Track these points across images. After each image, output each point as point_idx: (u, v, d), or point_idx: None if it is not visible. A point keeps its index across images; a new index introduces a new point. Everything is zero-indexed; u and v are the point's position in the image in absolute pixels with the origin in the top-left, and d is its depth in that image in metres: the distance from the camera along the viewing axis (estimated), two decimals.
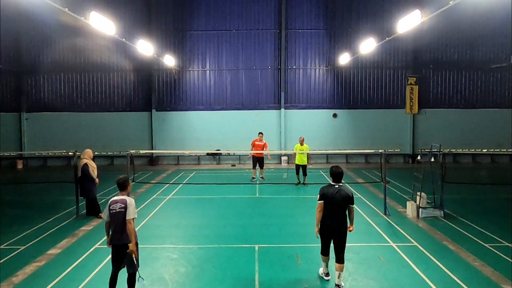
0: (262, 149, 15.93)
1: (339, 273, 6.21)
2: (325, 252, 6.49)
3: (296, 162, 14.88)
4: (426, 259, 7.51)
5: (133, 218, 5.69)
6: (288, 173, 14.66)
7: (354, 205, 6.32)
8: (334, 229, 6.21)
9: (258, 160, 16.16)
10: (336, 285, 6.21)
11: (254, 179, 16.43)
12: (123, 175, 6.29)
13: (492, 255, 7.71)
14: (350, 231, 6.31)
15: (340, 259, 6.23)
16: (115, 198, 5.84)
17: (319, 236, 6.37)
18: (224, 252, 7.97)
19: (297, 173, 14.95)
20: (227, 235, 9.18)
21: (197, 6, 22.64)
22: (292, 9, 22.63)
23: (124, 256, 5.68)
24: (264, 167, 16.52)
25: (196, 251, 8.06)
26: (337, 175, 6.34)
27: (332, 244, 6.37)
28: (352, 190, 13.75)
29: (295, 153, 14.75)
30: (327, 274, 6.64)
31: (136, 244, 5.77)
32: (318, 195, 6.27)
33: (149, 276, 6.82)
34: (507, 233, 8.82)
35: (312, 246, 7.88)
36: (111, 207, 5.73)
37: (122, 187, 6.00)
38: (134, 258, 5.74)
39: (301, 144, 14.77)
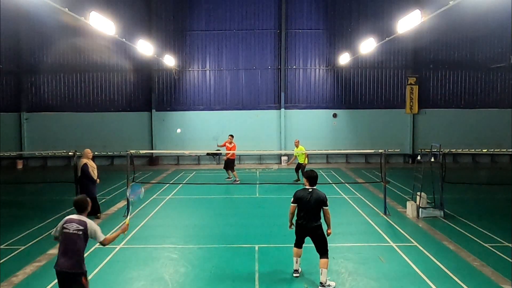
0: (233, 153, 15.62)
1: (322, 270, 6.27)
2: (296, 244, 6.70)
3: (299, 161, 15.71)
4: (426, 259, 7.51)
5: (106, 238, 4.98)
6: (287, 174, 14.84)
7: (328, 207, 6.40)
8: (307, 229, 6.43)
9: (228, 163, 15.88)
10: (320, 282, 6.26)
11: (231, 179, 16.07)
12: (81, 196, 5.33)
13: (492, 255, 7.70)
14: (328, 234, 6.47)
15: (322, 256, 6.35)
16: (72, 217, 4.93)
17: (293, 228, 6.71)
18: (224, 252, 7.97)
19: (296, 171, 15.77)
20: (227, 235, 9.17)
21: (197, 6, 22.63)
22: (292, 9, 22.63)
23: (68, 284, 4.79)
24: (234, 171, 15.92)
25: (196, 251, 8.06)
26: (312, 178, 6.48)
27: (312, 244, 6.54)
28: (354, 188, 13.91)
29: (295, 157, 15.76)
30: (296, 271, 6.72)
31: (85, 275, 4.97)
32: (292, 198, 6.53)
33: (149, 276, 6.83)
34: (507, 233, 8.81)
35: (312, 246, 7.87)
36: (64, 225, 4.85)
37: (79, 208, 5.01)
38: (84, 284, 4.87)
39: (297, 147, 15.64)
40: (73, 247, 4.78)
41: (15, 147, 22.60)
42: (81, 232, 4.80)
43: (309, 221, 6.36)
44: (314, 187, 6.45)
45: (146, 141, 22.92)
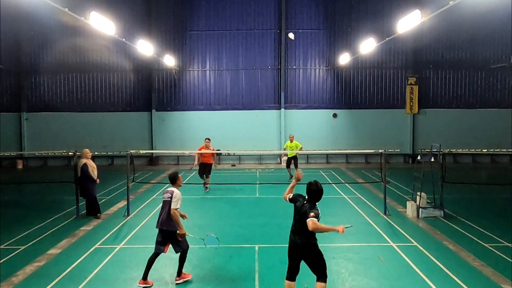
0: (211, 156, 14.42)
1: None
2: (289, 273, 5.42)
3: (288, 156, 16.15)
4: (426, 259, 7.51)
5: (176, 208, 6.43)
6: (287, 174, 14.96)
7: (312, 219, 4.97)
8: (296, 247, 5.27)
9: (206, 167, 14.41)
10: None
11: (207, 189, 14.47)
12: (174, 170, 7.24)
13: (492, 255, 7.70)
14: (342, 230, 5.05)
15: (319, 279, 5.28)
16: (168, 189, 6.71)
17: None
18: (224, 252, 7.97)
19: (288, 166, 16.17)
20: (227, 235, 9.16)
21: (197, 6, 22.64)
22: (292, 9, 22.63)
23: (167, 239, 6.52)
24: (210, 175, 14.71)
25: (196, 251, 8.06)
26: (312, 193, 5.27)
27: (308, 267, 5.40)
28: (354, 188, 13.92)
29: (284, 149, 16.21)
30: None
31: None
32: (291, 195, 5.62)
33: (149, 276, 6.81)
34: (507, 233, 8.81)
35: None
36: (163, 196, 6.65)
37: (172, 180, 6.76)
38: (180, 240, 6.53)
39: (291, 141, 15.94)
40: (165, 211, 6.46)
41: (15, 147, 22.61)
42: (169, 199, 6.47)
43: (298, 234, 5.25)
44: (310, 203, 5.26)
45: (146, 141, 22.91)
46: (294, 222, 5.39)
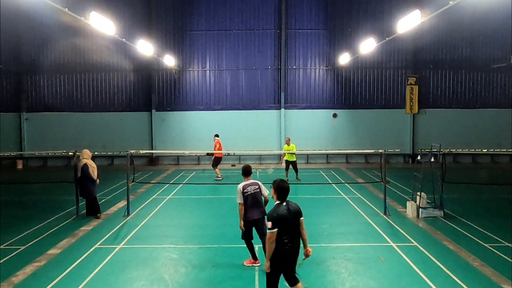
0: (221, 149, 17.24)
1: None
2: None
3: (286, 158, 16.20)
4: (426, 259, 7.51)
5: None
6: (275, 169, 15.24)
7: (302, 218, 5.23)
8: (295, 254, 5.11)
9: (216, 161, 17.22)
10: None
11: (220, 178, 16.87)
12: (246, 163, 7.56)
13: (492, 255, 7.70)
14: (309, 254, 5.27)
15: (295, 282, 5.24)
16: (246, 182, 7.04)
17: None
18: (224, 252, 7.97)
19: (286, 169, 16.08)
20: (227, 235, 9.16)
21: (197, 6, 22.64)
22: (292, 9, 22.63)
23: (253, 227, 7.03)
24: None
25: (196, 251, 8.06)
26: (284, 190, 5.15)
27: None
28: (354, 188, 13.93)
29: (284, 154, 16.25)
30: None
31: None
32: (270, 223, 4.92)
33: (149, 276, 6.83)
34: (507, 233, 8.82)
35: (312, 246, 7.86)
36: (244, 191, 6.92)
37: (249, 173, 7.21)
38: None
39: (288, 145, 16.04)
40: (257, 202, 7.02)
41: (15, 147, 22.61)
42: (258, 190, 7.07)
43: (295, 241, 5.08)
44: (287, 200, 5.21)
45: (146, 141, 22.91)
46: (290, 231, 5.01)
